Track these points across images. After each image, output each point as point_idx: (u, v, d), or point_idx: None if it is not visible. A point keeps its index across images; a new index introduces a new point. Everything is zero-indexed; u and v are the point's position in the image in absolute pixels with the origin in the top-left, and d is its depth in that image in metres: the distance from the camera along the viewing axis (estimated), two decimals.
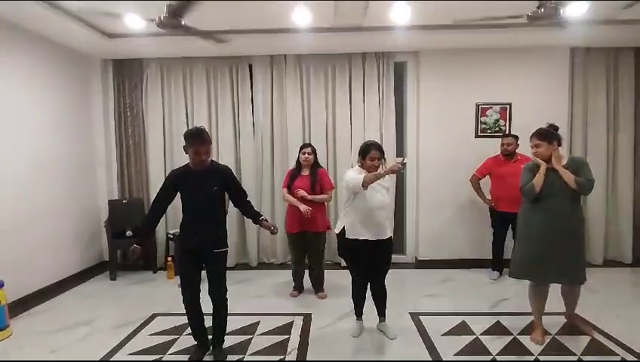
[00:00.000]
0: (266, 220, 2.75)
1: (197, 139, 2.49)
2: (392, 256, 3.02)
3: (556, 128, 2.83)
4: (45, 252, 3.99)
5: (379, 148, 2.81)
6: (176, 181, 2.60)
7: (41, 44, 3.94)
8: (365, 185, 2.65)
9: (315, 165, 3.78)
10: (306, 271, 3.94)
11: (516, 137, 4.21)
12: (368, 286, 3.02)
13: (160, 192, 2.64)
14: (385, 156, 2.89)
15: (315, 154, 3.79)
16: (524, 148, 4.20)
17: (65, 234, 4.29)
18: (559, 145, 2.80)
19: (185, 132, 2.62)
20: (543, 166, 2.73)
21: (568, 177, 2.66)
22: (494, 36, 4.10)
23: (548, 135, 2.75)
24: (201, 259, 2.64)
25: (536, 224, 2.76)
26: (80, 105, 4.58)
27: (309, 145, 3.82)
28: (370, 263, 2.89)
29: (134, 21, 3.53)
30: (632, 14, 3.58)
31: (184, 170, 2.63)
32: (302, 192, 3.61)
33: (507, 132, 4.56)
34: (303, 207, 3.54)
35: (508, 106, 4.61)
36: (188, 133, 2.55)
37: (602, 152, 4.62)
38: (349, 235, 2.86)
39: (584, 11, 3.15)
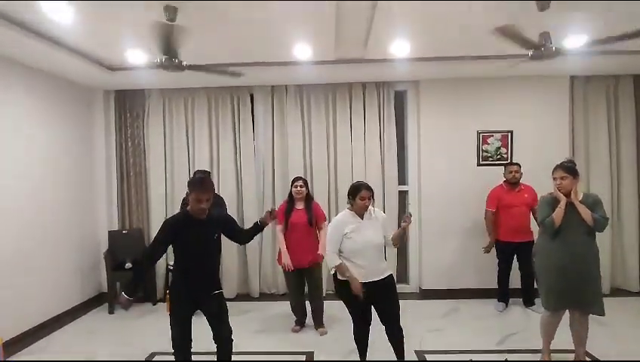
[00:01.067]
0: (263, 220, 2.68)
1: (198, 185, 2.45)
2: (397, 285, 2.94)
3: (574, 164, 2.90)
4: (44, 285, 3.93)
5: (369, 188, 2.78)
6: (174, 230, 2.48)
7: (42, 78, 3.96)
8: (339, 272, 2.73)
9: (308, 198, 3.76)
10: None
11: (519, 165, 4.20)
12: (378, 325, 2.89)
13: (160, 239, 2.50)
14: (374, 196, 2.86)
15: (307, 187, 3.77)
16: (524, 177, 4.21)
17: (64, 267, 4.23)
18: (579, 180, 2.86)
19: (189, 179, 2.61)
20: (564, 201, 2.77)
21: (585, 213, 2.73)
22: (494, 66, 4.11)
23: (573, 170, 2.80)
24: (197, 303, 2.58)
25: (554, 255, 2.81)
26: (81, 136, 4.59)
27: (301, 178, 3.80)
28: (373, 305, 2.78)
29: (136, 56, 3.58)
30: (630, 45, 3.61)
31: (184, 219, 2.52)
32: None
33: (509, 160, 4.55)
34: (284, 260, 3.64)
35: (509, 134, 4.61)
36: (190, 180, 2.55)
37: (606, 179, 4.59)
38: (340, 277, 2.79)
39: (582, 43, 3.20)
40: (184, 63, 2.77)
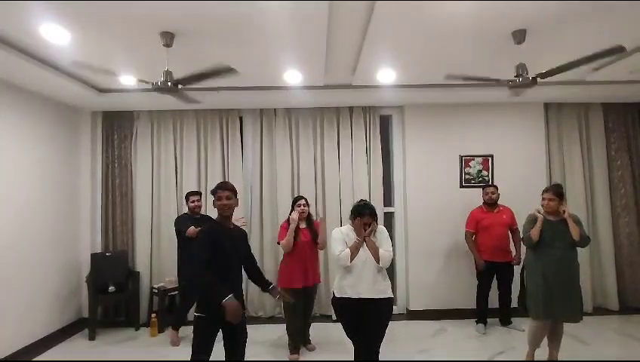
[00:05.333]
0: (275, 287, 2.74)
1: (219, 185, 2.60)
2: None
3: (562, 188, 3.31)
4: (22, 310, 3.78)
5: (372, 213, 2.72)
6: (213, 241, 2.43)
7: (28, 97, 3.92)
8: (353, 257, 2.67)
9: (309, 217, 3.77)
10: (280, 326, 3.96)
11: (496, 187, 4.39)
12: None
13: (207, 257, 2.37)
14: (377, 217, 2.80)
15: (308, 206, 3.77)
16: (501, 198, 4.37)
17: (43, 291, 4.08)
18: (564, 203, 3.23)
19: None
20: (540, 220, 3.14)
21: (575, 230, 3.07)
22: (474, 93, 4.35)
23: (561, 194, 3.20)
24: (223, 327, 2.51)
25: (542, 266, 3.12)
26: (67, 156, 4.54)
27: (303, 197, 3.79)
28: (361, 326, 2.70)
29: (127, 79, 3.62)
30: (598, 77, 3.90)
31: (218, 228, 2.52)
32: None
33: (490, 182, 4.72)
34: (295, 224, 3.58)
35: (490, 158, 4.81)
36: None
37: (581, 201, 4.79)
38: (336, 293, 2.77)
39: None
40: (179, 86, 2.82)
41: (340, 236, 2.78)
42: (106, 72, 2.99)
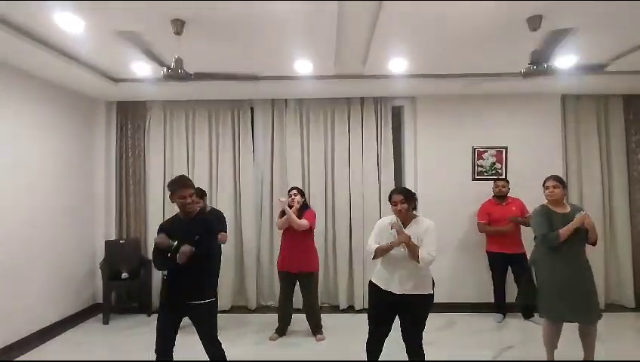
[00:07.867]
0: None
1: (177, 184, 2.58)
2: None
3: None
4: (37, 295, 3.89)
5: (402, 192, 2.68)
6: (165, 232, 2.61)
7: (44, 87, 3.99)
8: (376, 257, 2.65)
9: (304, 206, 3.88)
10: (294, 315, 4.02)
11: (508, 181, 4.37)
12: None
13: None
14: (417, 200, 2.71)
15: (303, 195, 3.91)
16: (515, 191, 4.34)
17: (58, 276, 4.19)
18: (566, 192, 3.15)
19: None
20: (571, 225, 2.84)
21: (595, 234, 2.94)
22: (489, 85, 4.23)
23: (563, 181, 3.08)
24: (183, 311, 2.58)
25: (559, 269, 2.90)
26: (82, 146, 4.63)
27: (296, 187, 3.98)
28: (393, 317, 2.70)
29: (141, 68, 3.66)
30: (619, 66, 3.76)
31: (172, 220, 2.67)
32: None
33: (504, 175, 4.64)
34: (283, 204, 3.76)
35: (504, 150, 4.71)
36: (169, 181, 2.68)
37: (598, 196, 4.67)
38: (372, 278, 2.78)
39: (573, 63, 3.35)
40: (191, 74, 2.83)
41: (376, 229, 2.76)
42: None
